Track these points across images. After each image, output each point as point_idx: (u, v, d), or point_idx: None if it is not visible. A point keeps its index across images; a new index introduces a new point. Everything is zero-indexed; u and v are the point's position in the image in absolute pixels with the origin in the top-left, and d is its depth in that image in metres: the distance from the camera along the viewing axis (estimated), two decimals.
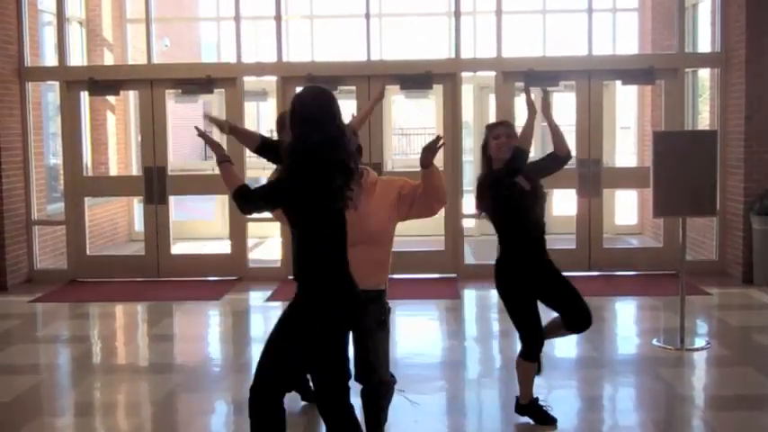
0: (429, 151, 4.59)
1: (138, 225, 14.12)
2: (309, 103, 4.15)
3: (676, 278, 8.28)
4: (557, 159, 5.71)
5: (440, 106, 12.29)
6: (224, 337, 8.97)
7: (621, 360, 7.51)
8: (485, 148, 5.58)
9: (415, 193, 4.79)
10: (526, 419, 5.69)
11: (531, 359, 5.61)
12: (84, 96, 11.63)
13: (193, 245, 12.89)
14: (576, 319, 5.73)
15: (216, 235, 13.50)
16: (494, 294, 10.14)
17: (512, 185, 5.35)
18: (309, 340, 4.25)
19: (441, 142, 4.58)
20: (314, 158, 4.03)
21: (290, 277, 4.55)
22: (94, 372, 7.37)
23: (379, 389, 4.88)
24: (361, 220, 4.57)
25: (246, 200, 4.22)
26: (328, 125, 4.09)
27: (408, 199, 4.79)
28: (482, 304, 10.23)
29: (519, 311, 5.63)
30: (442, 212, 11.18)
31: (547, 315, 5.72)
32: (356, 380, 4.84)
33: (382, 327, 4.83)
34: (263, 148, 5.01)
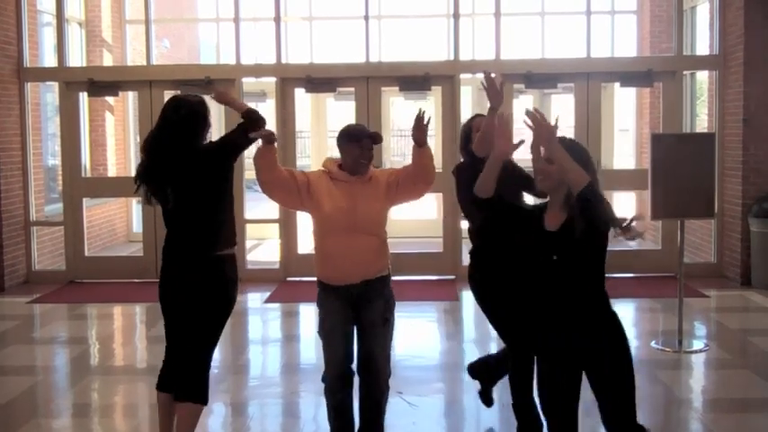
0: (419, 129, 4.69)
1: (137, 226, 14.11)
2: None
3: (675, 280, 8.28)
4: None
5: (438, 108, 12.28)
6: (222, 339, 8.89)
7: None
8: (467, 139, 5.30)
9: (399, 177, 4.86)
10: None
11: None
12: (84, 97, 11.63)
13: None
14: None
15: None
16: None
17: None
18: None
19: (427, 118, 4.68)
20: None
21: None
22: (92, 373, 7.36)
23: (379, 385, 4.88)
24: (357, 206, 4.73)
25: None
26: None
27: (394, 184, 4.85)
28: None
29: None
30: (440, 213, 11.26)
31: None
32: (357, 372, 4.87)
33: (386, 324, 4.86)
34: None
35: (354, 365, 4.92)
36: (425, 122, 4.67)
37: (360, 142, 4.77)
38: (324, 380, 4.93)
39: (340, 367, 4.84)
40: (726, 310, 9.38)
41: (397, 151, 15.42)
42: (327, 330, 4.88)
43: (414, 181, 4.83)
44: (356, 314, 4.86)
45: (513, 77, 10.98)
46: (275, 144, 4.83)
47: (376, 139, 4.86)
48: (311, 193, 4.80)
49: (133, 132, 14.34)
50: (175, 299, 4.74)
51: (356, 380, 4.95)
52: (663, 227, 11.09)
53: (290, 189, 4.82)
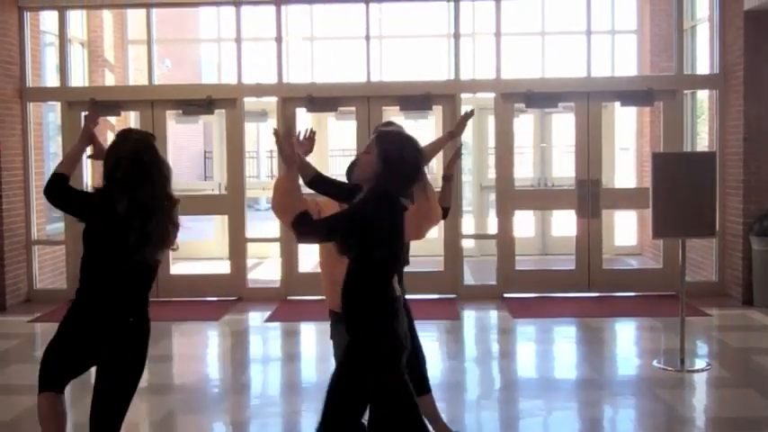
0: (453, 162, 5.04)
1: None
2: None
3: (676, 299, 8.28)
4: None
5: (439, 127, 12.32)
6: (223, 358, 8.95)
7: (621, 381, 7.50)
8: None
9: (412, 210, 4.76)
10: None
11: None
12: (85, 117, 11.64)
13: (192, 265, 12.88)
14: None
15: (215, 255, 13.49)
16: (493, 315, 10.22)
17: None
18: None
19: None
20: None
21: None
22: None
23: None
24: None
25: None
26: None
27: (418, 222, 4.73)
28: (482, 325, 10.22)
29: None
30: (441, 232, 11.26)
31: None
32: None
33: None
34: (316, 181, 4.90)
35: None
36: (458, 157, 4.80)
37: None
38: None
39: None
40: (728, 329, 9.37)
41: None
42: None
43: (430, 220, 4.50)
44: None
45: (514, 97, 11.02)
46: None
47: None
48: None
49: None
50: None
51: None
52: (664, 246, 11.08)
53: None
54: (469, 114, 5.47)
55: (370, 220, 4.03)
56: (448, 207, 5.28)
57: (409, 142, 4.20)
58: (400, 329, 4.11)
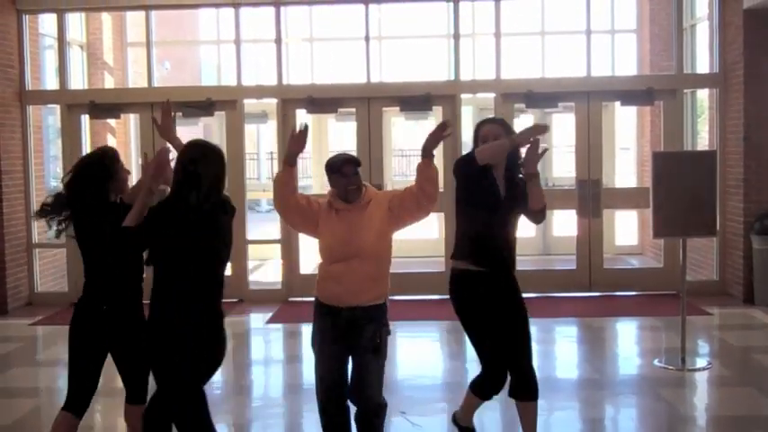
0: (434, 137, 4.72)
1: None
2: None
3: (677, 298, 8.28)
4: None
5: None
6: (225, 360, 8.92)
7: (623, 381, 7.50)
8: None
9: (402, 198, 4.83)
10: None
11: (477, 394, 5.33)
12: (85, 119, 11.66)
13: None
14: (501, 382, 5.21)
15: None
16: None
17: (485, 173, 4.96)
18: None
19: (448, 131, 4.78)
20: None
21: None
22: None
23: (370, 410, 4.87)
24: (353, 235, 4.75)
25: None
26: None
27: (396, 205, 4.83)
28: None
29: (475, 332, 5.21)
30: (442, 233, 11.27)
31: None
32: (349, 399, 4.88)
33: (376, 352, 4.83)
34: None
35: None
36: (445, 134, 4.71)
37: (341, 171, 4.79)
38: (317, 397, 4.96)
39: (330, 389, 4.88)
40: (729, 328, 9.36)
41: (398, 171, 15.43)
42: (318, 350, 4.93)
43: (417, 198, 4.76)
44: (348, 340, 4.84)
45: (514, 97, 11.01)
46: (295, 167, 4.82)
47: (356, 162, 4.86)
48: (321, 222, 4.85)
49: (135, 154, 14.36)
50: None
51: None
52: (665, 245, 11.08)
53: (306, 216, 4.87)
54: (540, 128, 4.94)
55: None
56: (540, 208, 5.04)
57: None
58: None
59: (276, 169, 14.46)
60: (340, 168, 4.79)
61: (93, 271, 4.79)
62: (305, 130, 4.81)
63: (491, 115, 11.87)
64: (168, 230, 4.26)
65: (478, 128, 5.22)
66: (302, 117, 11.85)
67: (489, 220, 4.98)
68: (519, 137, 4.91)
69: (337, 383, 4.87)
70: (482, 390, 5.25)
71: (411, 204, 4.80)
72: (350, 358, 4.89)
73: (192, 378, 4.42)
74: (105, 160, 4.85)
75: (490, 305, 5.05)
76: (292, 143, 4.79)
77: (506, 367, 5.10)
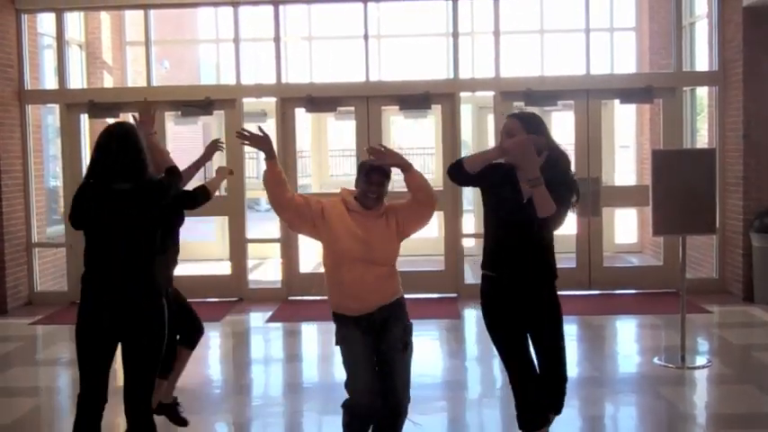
0: (391, 157, 4.73)
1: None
2: None
3: (677, 296, 8.28)
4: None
5: (439, 126, 12.32)
6: (224, 359, 8.95)
7: (622, 379, 7.50)
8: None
9: (403, 213, 4.88)
10: None
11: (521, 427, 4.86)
12: (84, 119, 11.66)
13: (193, 266, 12.86)
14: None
15: (216, 256, 13.48)
16: None
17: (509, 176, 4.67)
18: None
19: (377, 145, 4.81)
20: None
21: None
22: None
23: (400, 409, 4.87)
24: (374, 246, 4.79)
25: None
26: None
27: (402, 223, 4.88)
28: (483, 324, 10.15)
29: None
30: (442, 231, 11.26)
31: None
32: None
33: (405, 348, 4.88)
34: None
35: None
36: (382, 149, 4.74)
37: (367, 175, 4.80)
38: (346, 406, 4.92)
39: (369, 397, 4.80)
40: (728, 326, 9.37)
41: (398, 170, 15.41)
42: (352, 362, 4.85)
43: (417, 207, 4.85)
44: (375, 342, 4.85)
45: (513, 95, 11.01)
46: (275, 160, 4.81)
47: (387, 174, 4.84)
48: (326, 221, 4.79)
49: None
50: None
51: None
52: (665, 243, 11.08)
53: (303, 214, 4.84)
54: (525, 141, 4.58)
55: None
56: (545, 216, 4.65)
57: None
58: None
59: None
60: (367, 173, 4.81)
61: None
62: (253, 132, 4.84)
63: (491, 115, 11.90)
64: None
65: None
66: (301, 116, 11.87)
67: (509, 224, 4.73)
68: (510, 144, 4.58)
69: (375, 393, 4.82)
70: (519, 418, 4.85)
71: (411, 216, 4.88)
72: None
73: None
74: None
75: (510, 313, 4.88)
76: (257, 144, 4.84)
77: (534, 378, 4.84)
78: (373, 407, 4.81)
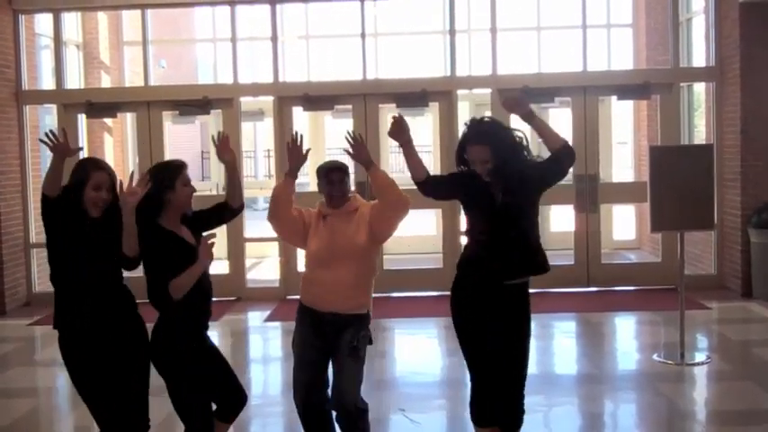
0: (355, 149, 4.79)
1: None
2: None
3: (675, 293, 8.27)
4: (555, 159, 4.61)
5: (436, 124, 12.30)
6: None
7: (622, 376, 7.50)
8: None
9: (374, 213, 4.88)
10: None
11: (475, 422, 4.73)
12: (82, 119, 11.65)
13: None
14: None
15: (214, 255, 13.44)
16: None
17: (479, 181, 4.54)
18: None
19: (356, 135, 4.83)
20: None
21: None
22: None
23: (348, 413, 4.87)
24: (336, 239, 4.83)
25: None
26: None
27: (374, 222, 4.87)
28: None
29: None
30: (440, 229, 11.25)
31: None
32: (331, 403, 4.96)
33: (353, 354, 4.85)
34: None
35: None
36: (357, 140, 4.78)
37: (327, 177, 4.89)
38: (294, 401, 5.05)
39: (303, 394, 4.95)
40: (727, 322, 9.36)
41: (395, 167, 15.39)
42: (296, 352, 5.03)
43: (384, 208, 4.81)
44: (329, 347, 4.91)
45: (510, 92, 10.96)
46: (295, 179, 4.89)
47: (344, 170, 4.92)
48: (310, 232, 4.95)
49: (132, 153, 14.35)
50: None
51: None
52: (663, 239, 11.08)
53: (296, 229, 4.96)
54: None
55: None
56: (560, 146, 4.53)
57: None
58: None
59: (273, 167, 14.44)
60: (327, 174, 4.89)
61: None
62: (299, 139, 4.82)
63: (488, 112, 11.83)
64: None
65: (462, 149, 4.64)
66: (299, 114, 11.85)
67: (488, 230, 4.58)
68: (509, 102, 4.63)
69: (314, 389, 4.94)
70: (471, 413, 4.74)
71: (381, 215, 4.85)
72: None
73: None
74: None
75: (475, 317, 4.74)
76: (291, 157, 4.85)
77: (491, 392, 4.67)
78: (306, 404, 4.95)
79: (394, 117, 4.68)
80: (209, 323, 4.73)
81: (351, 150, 4.83)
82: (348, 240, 4.83)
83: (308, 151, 4.83)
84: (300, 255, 11.03)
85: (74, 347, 4.49)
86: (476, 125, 4.63)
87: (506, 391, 4.69)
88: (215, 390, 4.72)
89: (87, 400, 4.49)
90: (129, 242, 4.35)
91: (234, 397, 4.87)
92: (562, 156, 4.56)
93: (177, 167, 4.59)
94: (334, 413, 4.93)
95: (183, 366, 4.47)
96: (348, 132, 4.86)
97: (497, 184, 4.50)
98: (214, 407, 4.75)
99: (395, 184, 4.79)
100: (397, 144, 4.65)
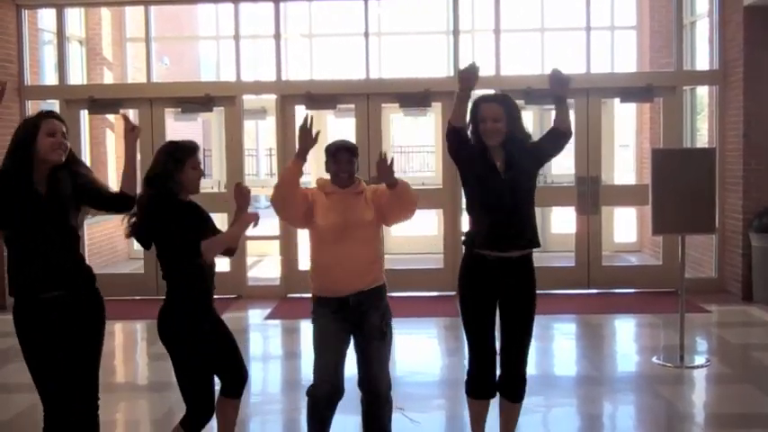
0: (386, 171, 4.71)
1: (137, 244, 14.07)
2: None
3: (676, 296, 8.27)
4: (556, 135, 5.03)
5: (438, 124, 12.32)
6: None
7: (621, 378, 7.50)
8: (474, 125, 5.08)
9: (383, 202, 4.87)
10: None
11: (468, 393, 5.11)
12: (84, 115, 11.66)
13: None
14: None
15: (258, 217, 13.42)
16: None
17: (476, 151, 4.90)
18: None
19: (390, 159, 4.74)
20: None
21: None
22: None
23: (381, 399, 4.90)
24: (347, 215, 4.81)
25: None
26: None
27: (383, 208, 4.87)
28: None
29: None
30: (441, 229, 11.25)
31: None
32: (360, 389, 4.93)
33: (382, 338, 4.86)
34: None
35: (350, 383, 4.95)
36: (389, 164, 4.72)
37: (335, 156, 4.88)
38: (309, 393, 4.98)
39: (329, 383, 4.88)
40: (727, 325, 9.37)
41: (397, 167, 15.37)
42: (319, 344, 4.97)
43: (399, 212, 4.91)
44: (352, 330, 4.88)
45: (513, 94, 10.88)
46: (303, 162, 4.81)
47: (352, 150, 4.92)
48: (313, 211, 4.87)
49: None
50: None
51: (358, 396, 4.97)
52: (664, 242, 11.08)
53: (300, 208, 4.88)
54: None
55: None
56: (564, 130, 5.01)
57: None
58: None
59: (275, 166, 14.43)
60: (335, 153, 4.89)
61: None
62: (310, 122, 4.80)
63: None
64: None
65: (476, 107, 5.16)
66: (301, 113, 11.83)
67: (489, 204, 4.84)
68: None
69: (336, 380, 4.89)
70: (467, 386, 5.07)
71: (390, 206, 4.86)
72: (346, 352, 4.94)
73: None
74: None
75: (478, 290, 5.01)
76: (302, 140, 4.78)
77: (488, 361, 4.93)
78: (333, 392, 4.89)
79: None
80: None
81: (384, 174, 4.74)
82: (359, 215, 4.81)
83: (317, 134, 4.78)
84: (301, 254, 11.06)
85: (28, 315, 4.43)
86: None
87: (505, 359, 4.93)
88: (220, 368, 4.84)
89: (35, 372, 4.55)
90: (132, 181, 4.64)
91: (237, 374, 5.01)
92: (562, 132, 4.94)
93: (189, 149, 4.61)
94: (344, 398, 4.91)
95: (191, 345, 4.58)
96: (380, 154, 4.81)
97: (501, 158, 4.79)
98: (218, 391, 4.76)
99: (410, 188, 4.85)
100: (399, 145, 4.68)
